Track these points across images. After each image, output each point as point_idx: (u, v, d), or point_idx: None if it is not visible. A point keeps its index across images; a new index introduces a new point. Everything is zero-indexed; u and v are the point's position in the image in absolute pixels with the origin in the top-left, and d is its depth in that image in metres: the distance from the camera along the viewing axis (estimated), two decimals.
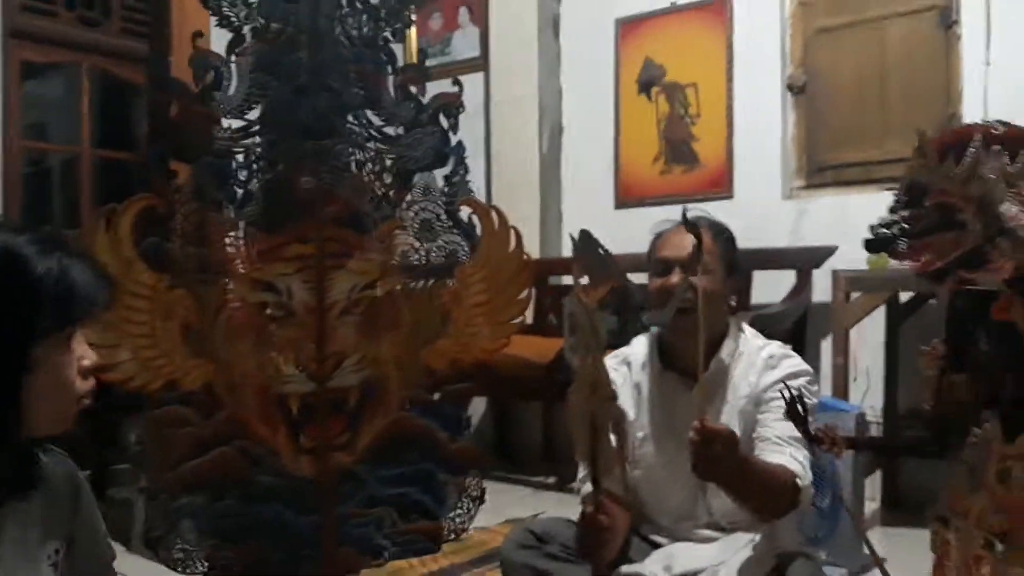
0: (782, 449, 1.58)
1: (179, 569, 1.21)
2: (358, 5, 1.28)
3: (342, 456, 1.30)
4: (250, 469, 1.23)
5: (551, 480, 3.50)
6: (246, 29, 1.20)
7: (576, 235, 1.39)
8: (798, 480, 1.54)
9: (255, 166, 1.23)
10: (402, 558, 1.39)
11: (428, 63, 4.35)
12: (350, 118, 1.30)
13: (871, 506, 2.96)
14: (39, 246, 0.93)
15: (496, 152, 4.10)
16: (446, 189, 1.36)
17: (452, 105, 1.32)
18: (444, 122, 1.32)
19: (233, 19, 1.16)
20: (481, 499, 1.43)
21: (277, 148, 1.23)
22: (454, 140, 1.35)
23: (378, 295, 1.31)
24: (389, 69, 1.32)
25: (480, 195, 4.04)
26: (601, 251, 1.37)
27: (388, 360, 1.33)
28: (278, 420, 1.24)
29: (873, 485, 3.00)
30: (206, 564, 1.23)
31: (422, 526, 1.39)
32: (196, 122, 1.18)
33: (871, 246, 1.47)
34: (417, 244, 1.35)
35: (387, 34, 1.31)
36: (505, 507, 3.06)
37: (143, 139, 3.97)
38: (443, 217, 1.37)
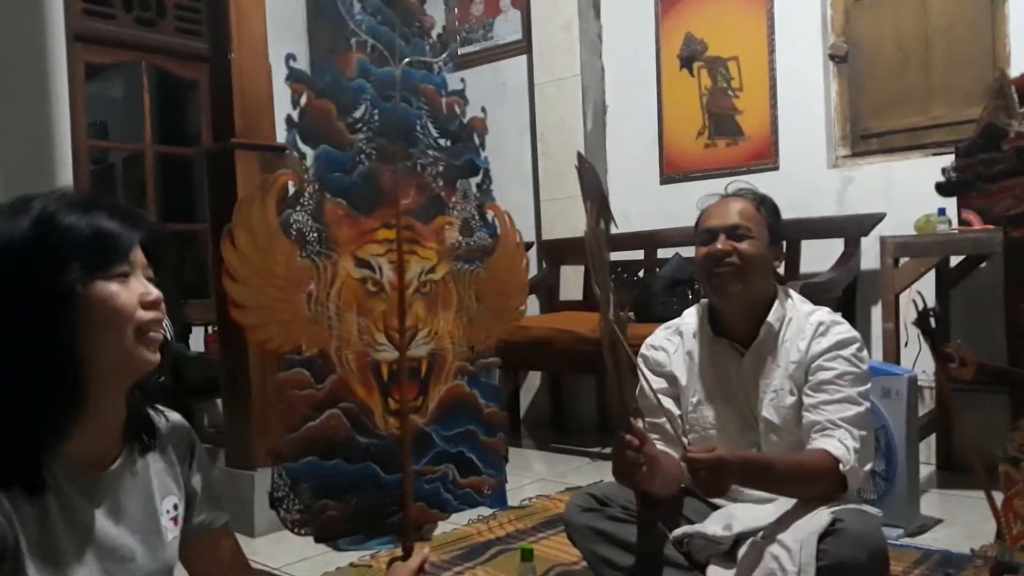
0: (832, 434, 1.63)
1: (297, 530, 1.31)
2: (422, 36, 1.51)
3: (416, 418, 1.44)
4: (352, 431, 1.36)
5: (607, 451, 3.60)
6: (353, 41, 1.40)
7: (576, 160, 1.56)
8: (841, 466, 1.59)
9: (358, 157, 1.40)
10: (459, 511, 1.56)
11: (471, 48, 4.46)
12: (417, 127, 1.48)
13: (927, 469, 2.99)
14: (61, 202, 0.97)
15: (541, 132, 4.17)
16: (477, 195, 1.59)
17: (481, 127, 1.57)
18: (476, 140, 1.56)
19: (344, 32, 1.36)
20: (506, 458, 1.64)
21: (370, 145, 1.40)
22: (483, 156, 1.60)
23: (437, 279, 1.48)
24: (442, 92, 1.54)
25: (527, 176, 4.16)
26: (588, 166, 1.54)
27: (445, 335, 1.50)
28: (373, 383, 1.39)
29: (929, 449, 3.04)
30: (316, 524, 1.33)
31: (474, 481, 1.57)
32: (318, 112, 1.33)
33: (942, 189, 1.52)
34: (460, 238, 1.54)
35: (439, 62, 1.54)
36: (564, 476, 3.17)
37: (202, 134, 4.11)
38: (476, 217, 1.59)
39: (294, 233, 1.28)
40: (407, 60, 1.45)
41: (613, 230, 3.99)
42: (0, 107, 3.35)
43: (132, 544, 1.02)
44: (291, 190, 1.30)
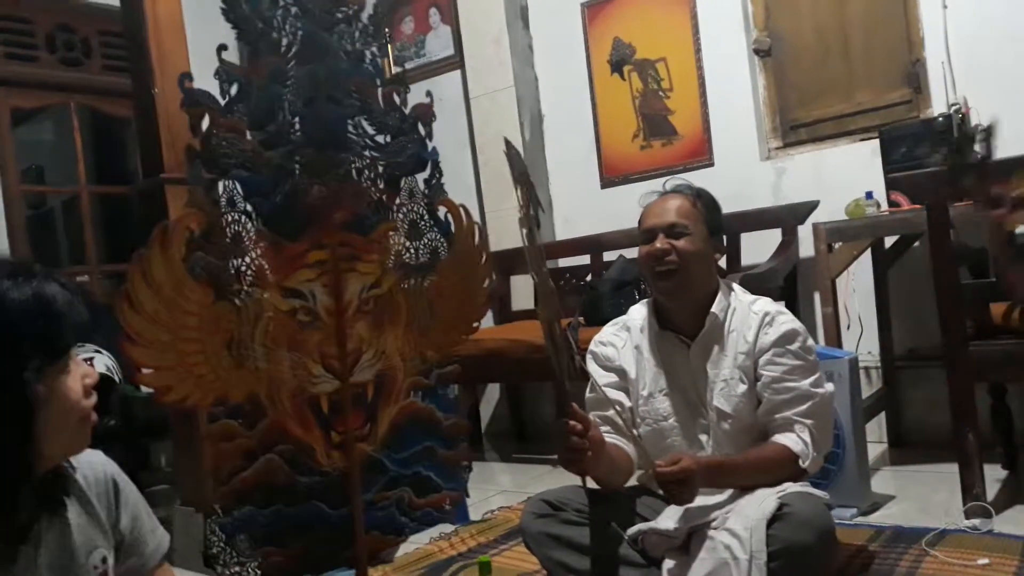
0: (789, 429, 1.71)
1: None
2: (349, 22, 1.36)
3: (364, 446, 1.38)
4: (292, 473, 1.29)
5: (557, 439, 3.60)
6: (261, 43, 1.25)
7: (504, 147, 1.51)
8: (800, 461, 1.67)
9: (279, 176, 1.27)
10: (417, 532, 1.50)
11: (406, 66, 4.43)
12: (350, 127, 1.37)
13: (880, 448, 3.05)
14: (14, 280, 0.92)
15: (480, 145, 4.19)
16: (426, 191, 1.46)
17: (427, 115, 1.41)
18: (422, 130, 1.42)
19: (250, 33, 1.21)
20: (469, 467, 1.56)
21: (294, 158, 1.29)
22: (430, 147, 1.44)
23: (382, 293, 1.39)
24: (377, 81, 1.41)
25: (470, 188, 4.17)
26: (514, 152, 1.49)
27: (394, 352, 1.41)
28: (310, 420, 1.30)
29: (880, 428, 3.10)
30: (259, 572, 1.28)
31: (432, 499, 1.49)
32: (225, 135, 1.20)
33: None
34: (407, 243, 1.44)
35: (373, 49, 1.39)
36: (526, 485, 3.17)
37: (138, 170, 4.05)
38: (426, 217, 1.47)
39: (205, 276, 1.16)
40: (332, 53, 1.29)
41: (559, 236, 4.02)
42: None
43: None
44: (198, 229, 1.18)
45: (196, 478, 2.49)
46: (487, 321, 4.08)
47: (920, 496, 2.50)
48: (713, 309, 1.81)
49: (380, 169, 1.39)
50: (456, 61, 4.31)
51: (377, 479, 1.41)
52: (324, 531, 1.33)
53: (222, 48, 1.21)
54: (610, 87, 3.87)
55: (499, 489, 3.20)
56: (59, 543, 1.01)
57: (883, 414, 3.07)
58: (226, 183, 1.24)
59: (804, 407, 1.72)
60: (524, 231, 1.48)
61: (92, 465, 1.09)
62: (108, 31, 3.89)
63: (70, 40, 3.82)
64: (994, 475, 2.50)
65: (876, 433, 3.08)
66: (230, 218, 1.23)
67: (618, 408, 1.79)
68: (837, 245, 2.83)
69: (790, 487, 1.67)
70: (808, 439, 1.69)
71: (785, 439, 1.70)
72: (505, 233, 4.04)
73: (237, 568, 1.25)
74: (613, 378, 1.89)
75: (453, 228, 1.49)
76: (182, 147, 2.53)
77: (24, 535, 0.97)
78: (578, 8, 3.93)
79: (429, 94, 1.46)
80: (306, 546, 1.31)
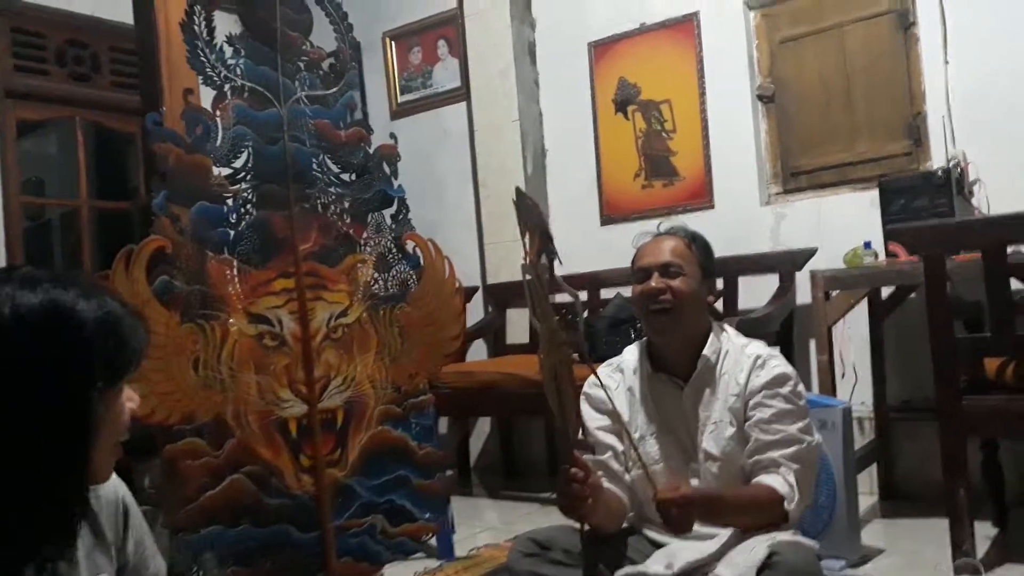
0: (775, 472, 1.69)
1: None
2: (312, 69, 1.43)
3: (335, 471, 1.39)
4: (259, 493, 1.29)
5: (557, 485, 3.57)
6: (227, 88, 1.33)
7: (515, 195, 1.54)
8: (785, 504, 1.65)
9: (243, 209, 1.33)
10: (393, 561, 1.50)
11: (411, 96, 4.48)
12: (314, 165, 1.43)
13: (870, 499, 3.03)
14: (87, 299, 0.90)
15: (483, 178, 4.20)
16: (393, 226, 1.52)
17: (392, 155, 1.49)
18: (387, 169, 1.50)
19: (215, 78, 1.28)
20: (448, 497, 1.57)
21: (257, 192, 1.35)
22: (396, 184, 1.51)
23: (350, 322, 1.43)
24: (341, 124, 1.47)
25: (470, 219, 4.18)
26: (530, 202, 1.52)
27: (364, 380, 1.47)
28: (279, 443, 1.33)
29: (871, 480, 3.08)
30: None
31: (407, 528, 1.52)
32: (191, 169, 1.27)
33: None
34: (375, 275, 1.49)
35: (335, 91, 1.46)
36: (514, 523, 3.13)
37: (139, 188, 4.07)
38: (394, 251, 1.52)
39: (171, 299, 1.22)
40: (294, 98, 1.40)
41: (556, 268, 4.02)
42: None
43: None
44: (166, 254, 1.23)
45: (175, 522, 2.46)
46: (480, 354, 4.09)
47: (910, 550, 2.47)
48: (705, 351, 1.81)
49: (346, 204, 1.45)
50: (462, 93, 4.34)
51: (349, 505, 1.44)
52: (294, 554, 1.34)
53: (188, 92, 1.29)
54: (614, 126, 3.90)
55: (486, 526, 3.17)
56: (70, 562, 0.99)
57: (875, 466, 3.05)
58: (192, 213, 1.29)
59: (790, 451, 1.70)
60: (528, 278, 1.49)
61: (106, 486, 1.07)
62: (119, 48, 3.92)
63: (80, 55, 3.85)
64: (984, 532, 2.48)
65: (868, 484, 3.05)
66: (195, 246, 1.29)
67: (611, 452, 1.79)
68: (834, 293, 2.84)
69: (780, 536, 1.65)
70: (793, 482, 1.67)
71: (771, 480, 1.68)
72: (503, 265, 4.05)
73: None
74: (606, 421, 1.88)
75: (422, 262, 1.53)
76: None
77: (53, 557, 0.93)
78: (585, 47, 3.97)
79: (393, 136, 1.53)
80: (275, 568, 1.32)
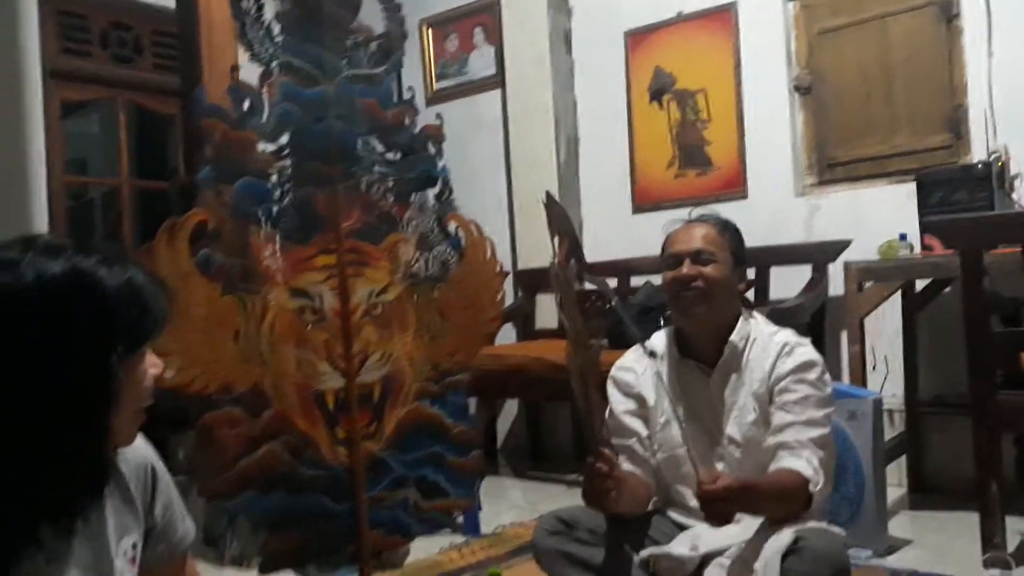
0: (799, 453, 1.67)
1: (237, 565, 1.28)
2: (360, 47, 1.44)
3: (370, 444, 1.42)
4: (294, 462, 1.32)
5: (582, 478, 3.59)
6: (274, 65, 1.34)
7: (544, 198, 1.55)
8: (810, 486, 1.63)
9: (287, 185, 1.35)
10: (424, 535, 1.52)
11: (446, 83, 4.50)
12: (359, 144, 1.44)
13: (899, 492, 3.01)
14: (109, 267, 0.92)
15: (515, 165, 4.22)
16: (436, 206, 1.53)
17: (437, 135, 1.49)
18: (432, 149, 1.50)
19: (263, 55, 1.30)
20: (482, 476, 1.58)
21: (302, 170, 1.36)
22: (440, 164, 1.51)
23: (390, 299, 1.44)
24: (387, 104, 1.48)
25: (503, 206, 4.20)
26: (559, 207, 1.53)
27: (402, 356, 1.48)
28: (316, 414, 1.35)
29: (900, 472, 3.06)
30: (259, 558, 1.31)
31: (439, 504, 1.53)
32: (236, 145, 1.29)
33: None
34: (417, 254, 1.50)
35: (383, 71, 1.46)
36: (539, 503, 3.17)
37: (178, 168, 4.14)
38: (436, 230, 1.53)
39: (213, 272, 1.24)
40: (341, 76, 1.40)
41: (587, 259, 4.03)
42: None
43: None
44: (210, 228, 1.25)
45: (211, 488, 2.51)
46: (510, 337, 4.11)
47: (938, 543, 2.46)
48: (732, 338, 1.81)
49: (390, 183, 1.46)
50: (497, 81, 4.36)
51: (382, 478, 1.46)
52: (326, 523, 1.36)
53: (234, 68, 1.30)
54: (648, 115, 3.90)
55: (511, 505, 3.20)
56: (97, 524, 1.01)
57: (904, 458, 3.03)
58: (235, 188, 1.31)
59: (816, 434, 1.69)
60: (559, 285, 1.50)
61: (133, 449, 1.08)
62: (161, 31, 3.98)
63: (124, 38, 3.92)
64: (1015, 527, 2.46)
65: (896, 477, 3.03)
66: (238, 220, 1.30)
67: (636, 437, 1.80)
68: (868, 284, 2.82)
69: (807, 523, 1.65)
70: (818, 466, 1.66)
71: (794, 462, 1.66)
72: (535, 251, 4.07)
73: (237, 551, 1.27)
74: (632, 405, 1.89)
75: (464, 242, 1.54)
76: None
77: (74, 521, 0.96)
78: (621, 36, 3.97)
79: (439, 116, 1.53)
80: (308, 536, 1.35)
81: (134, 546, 1.06)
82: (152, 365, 0.97)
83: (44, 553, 0.91)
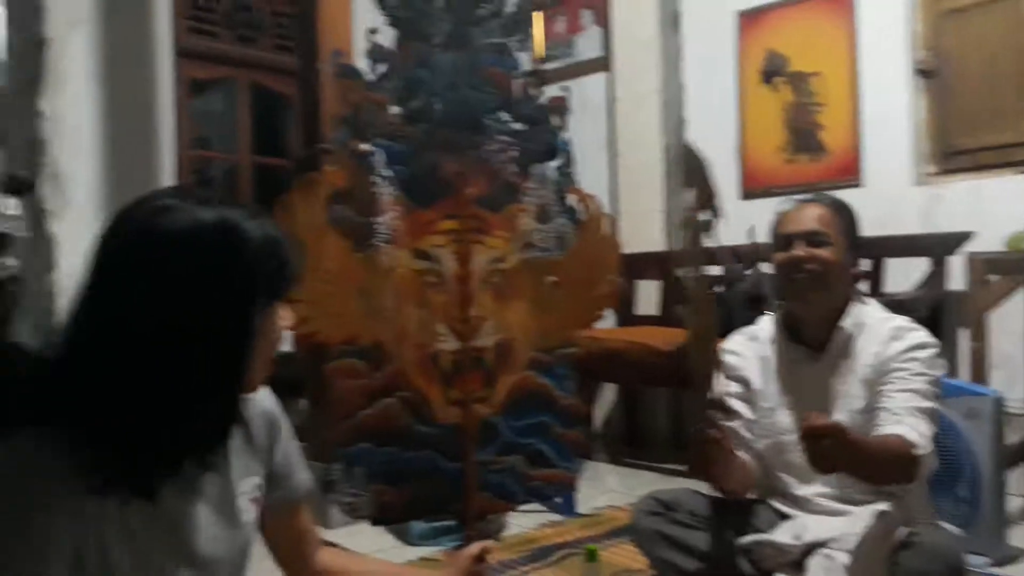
0: (902, 419, 1.60)
1: (349, 513, 1.33)
2: (490, 17, 1.46)
3: (482, 408, 1.45)
4: (410, 418, 1.38)
5: (681, 467, 3.57)
6: (410, 30, 1.38)
7: (684, 151, 1.53)
8: (914, 450, 1.55)
9: (417, 149, 1.40)
10: (528, 503, 1.54)
11: (554, 65, 4.51)
12: (486, 113, 1.47)
13: (1021, 501, 2.87)
14: (253, 220, 0.95)
15: (620, 148, 4.20)
16: (557, 179, 1.54)
17: (561, 107, 1.50)
18: (556, 121, 1.50)
19: (400, 18, 1.34)
20: (585, 452, 1.60)
21: (431, 135, 1.40)
22: (563, 137, 1.52)
23: (507, 268, 1.47)
24: (515, 73, 1.50)
25: (605, 189, 4.19)
26: (699, 158, 1.52)
27: (515, 325, 1.49)
28: (432, 374, 1.40)
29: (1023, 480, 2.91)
30: (371, 506, 1.36)
31: (546, 473, 1.54)
32: (371, 107, 1.35)
33: None
34: (535, 225, 1.51)
35: (513, 42, 1.48)
36: (635, 488, 3.16)
37: (293, 146, 4.29)
38: (555, 203, 1.54)
39: (345, 229, 1.29)
40: (473, 46, 1.42)
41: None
42: (111, 119, 3.58)
43: (211, 535, 1.02)
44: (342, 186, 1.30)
45: (328, 437, 2.62)
46: (608, 322, 4.10)
47: None
48: (843, 323, 1.76)
49: (514, 153, 1.47)
50: (604, 63, 4.33)
51: (492, 443, 1.48)
52: (437, 480, 1.41)
53: (372, 31, 1.33)
54: (758, 98, 3.81)
55: (607, 490, 3.21)
56: (224, 463, 1.06)
57: None
58: (369, 149, 1.36)
59: (921, 404, 1.61)
60: (685, 230, 1.49)
61: (258, 397, 1.12)
62: (281, 12, 4.13)
63: (247, 18, 4.08)
64: None
65: (1020, 486, 2.88)
66: (370, 180, 1.35)
67: (741, 420, 1.78)
68: (992, 279, 2.69)
69: (918, 516, 1.61)
70: (923, 431, 1.58)
71: (898, 428, 1.58)
72: (637, 234, 4.03)
73: (352, 499, 1.32)
74: (737, 388, 1.86)
75: (582, 216, 1.54)
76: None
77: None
78: (732, 17, 3.89)
79: (566, 88, 1.53)
80: (418, 491, 1.39)
81: (257, 487, 1.11)
82: (284, 317, 1.02)
83: (180, 484, 0.97)
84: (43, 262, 3.34)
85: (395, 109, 1.39)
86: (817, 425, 1.43)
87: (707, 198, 1.48)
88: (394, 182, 1.36)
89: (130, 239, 0.93)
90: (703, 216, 1.49)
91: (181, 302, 0.91)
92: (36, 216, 3.28)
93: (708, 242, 1.53)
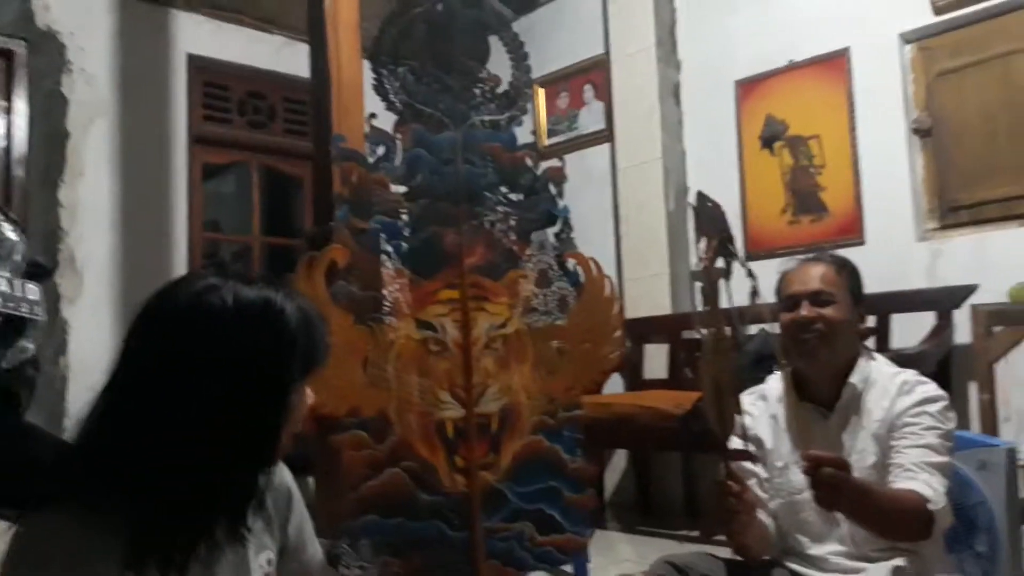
0: (915, 475, 1.58)
1: None
2: (487, 95, 1.53)
3: (487, 475, 1.45)
4: (415, 488, 1.37)
5: (694, 533, 3.51)
6: (407, 113, 1.45)
7: (695, 198, 1.55)
8: (929, 505, 1.53)
9: (415, 224, 1.44)
10: (538, 569, 1.52)
11: (557, 139, 4.63)
12: (484, 185, 1.52)
13: None
14: (291, 299, 0.98)
15: (624, 215, 4.26)
16: (556, 244, 1.57)
17: (558, 176, 1.56)
18: (553, 190, 1.56)
19: (397, 104, 1.41)
20: (596, 515, 1.57)
21: (431, 209, 1.45)
22: (561, 205, 1.57)
23: (509, 333, 1.49)
24: (511, 147, 1.55)
25: (610, 256, 4.24)
26: (710, 203, 1.52)
27: (520, 389, 1.52)
28: (437, 442, 1.41)
29: None
30: None
31: (555, 539, 1.53)
32: (371, 186, 1.40)
33: None
34: (536, 290, 1.54)
35: (508, 117, 1.54)
36: (648, 556, 3.09)
37: (304, 227, 4.38)
38: (555, 267, 1.57)
39: (346, 303, 1.34)
40: (469, 122, 1.50)
41: (699, 306, 4.00)
42: (126, 206, 3.69)
43: None
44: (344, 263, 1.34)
45: (335, 509, 2.61)
46: (617, 387, 4.10)
47: None
48: (852, 379, 1.76)
49: (512, 223, 1.52)
50: (606, 134, 4.44)
51: (499, 509, 1.47)
52: (444, 550, 1.40)
53: (372, 116, 1.40)
54: (759, 162, 3.88)
55: (620, 559, 3.15)
56: (239, 540, 1.04)
57: None
58: (370, 227, 1.40)
59: (934, 460, 1.60)
60: (703, 286, 1.50)
61: (274, 470, 1.13)
62: (291, 98, 4.28)
63: (259, 105, 4.24)
64: None
65: None
66: (372, 256, 1.40)
67: (755, 479, 1.76)
68: (997, 329, 2.68)
69: (937, 572, 1.58)
70: (937, 487, 1.56)
71: (912, 484, 1.57)
72: (642, 300, 4.07)
73: (359, 571, 1.31)
74: (749, 447, 1.86)
75: (583, 279, 1.58)
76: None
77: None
78: (731, 85, 3.99)
79: (561, 159, 1.59)
80: (425, 561, 1.38)
81: (269, 562, 1.10)
82: (309, 394, 1.04)
83: (204, 558, 0.97)
84: (56, 346, 3.41)
85: (397, 187, 1.45)
86: (819, 455, 1.43)
87: (723, 243, 1.49)
88: (396, 256, 1.40)
89: (176, 317, 0.95)
90: (719, 263, 1.49)
91: (225, 379, 0.93)
92: (51, 302, 3.36)
93: (726, 289, 1.52)
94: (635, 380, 4.08)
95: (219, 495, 0.94)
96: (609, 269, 4.15)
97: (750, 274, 1.45)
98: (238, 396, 0.93)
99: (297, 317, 0.98)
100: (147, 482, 0.90)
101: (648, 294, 4.04)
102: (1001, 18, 3.23)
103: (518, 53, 1.67)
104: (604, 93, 4.46)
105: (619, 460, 4.23)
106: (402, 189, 1.49)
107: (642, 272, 4.09)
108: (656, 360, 4.00)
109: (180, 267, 3.84)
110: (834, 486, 1.43)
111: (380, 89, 1.44)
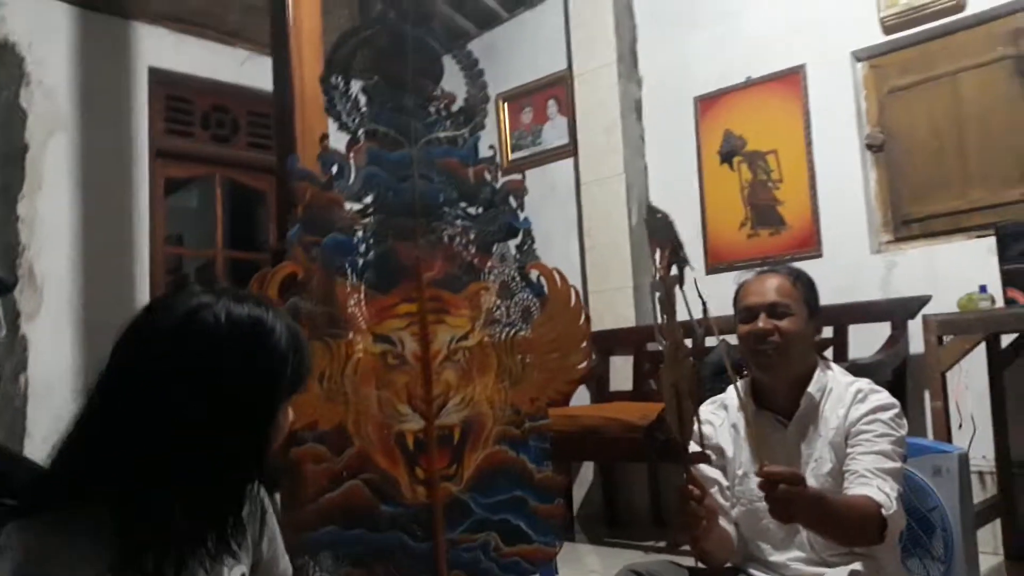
0: (869, 481, 1.63)
1: None
2: (442, 112, 1.55)
3: (450, 485, 1.46)
4: (375, 499, 1.38)
5: (661, 544, 3.55)
6: (360, 132, 1.47)
7: (646, 210, 1.59)
8: (882, 510, 1.58)
9: (371, 240, 1.45)
10: None
11: (522, 153, 4.66)
12: (441, 200, 1.54)
13: (994, 559, 2.87)
14: (280, 317, 0.99)
15: (588, 229, 4.31)
16: (518, 256, 1.59)
17: (518, 190, 1.58)
18: (513, 203, 1.57)
19: (349, 125, 1.43)
20: (565, 524, 1.58)
21: (387, 225, 1.47)
22: (522, 217, 1.59)
23: (471, 345, 1.50)
24: (469, 163, 1.57)
25: (575, 269, 4.27)
26: (659, 214, 1.55)
27: (482, 400, 1.52)
28: (397, 454, 1.42)
29: (995, 538, 2.93)
30: None
31: (521, 549, 1.53)
32: (325, 205, 1.41)
33: None
34: (498, 302, 1.56)
35: (465, 133, 1.56)
36: (616, 568, 3.12)
37: (269, 240, 4.36)
38: (517, 279, 1.59)
39: (299, 319, 1.32)
40: (424, 140, 1.52)
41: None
42: (87, 220, 3.64)
43: None
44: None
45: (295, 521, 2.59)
46: (584, 400, 4.13)
47: None
48: (810, 389, 1.80)
49: (472, 236, 1.53)
50: (569, 149, 4.49)
51: (463, 520, 1.48)
52: (407, 561, 1.40)
53: (324, 137, 1.41)
54: (719, 177, 3.95)
55: (587, 571, 3.17)
56: (215, 555, 1.04)
57: (998, 522, 2.90)
58: (324, 243, 1.42)
59: (886, 466, 1.65)
60: (658, 297, 1.53)
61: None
62: (255, 112, 4.27)
63: (222, 119, 4.21)
64: None
65: (991, 544, 2.90)
66: (325, 272, 1.41)
67: (717, 487, 1.80)
68: (948, 338, 2.76)
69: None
70: (890, 492, 1.61)
71: (865, 489, 1.62)
72: (608, 311, 4.11)
73: None
74: (710, 455, 1.89)
75: (547, 290, 1.59)
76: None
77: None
78: (691, 101, 4.06)
79: (523, 173, 1.61)
80: (387, 572, 1.39)
81: (243, 575, 1.11)
82: (289, 411, 1.05)
83: (177, 573, 0.97)
84: (15, 364, 3.35)
85: (353, 204, 1.46)
86: (773, 471, 1.46)
87: (675, 251, 1.52)
88: (352, 272, 1.41)
89: (168, 334, 0.96)
90: (673, 271, 1.52)
91: (215, 396, 0.94)
92: (10, 318, 3.30)
93: (682, 296, 1.54)
94: (601, 392, 4.11)
95: (206, 509, 0.95)
96: (574, 282, 4.19)
97: (699, 294, 1.48)
98: (227, 413, 0.94)
99: (287, 336, 0.99)
100: (134, 495, 0.91)
101: (612, 307, 4.08)
102: (947, 38, 3.34)
103: (472, 70, 1.71)
104: (567, 109, 4.51)
105: (586, 472, 4.26)
106: (358, 207, 1.50)
107: (606, 285, 4.13)
108: (621, 372, 4.04)
109: (142, 282, 3.80)
110: (789, 500, 1.46)
111: (332, 111, 1.45)
